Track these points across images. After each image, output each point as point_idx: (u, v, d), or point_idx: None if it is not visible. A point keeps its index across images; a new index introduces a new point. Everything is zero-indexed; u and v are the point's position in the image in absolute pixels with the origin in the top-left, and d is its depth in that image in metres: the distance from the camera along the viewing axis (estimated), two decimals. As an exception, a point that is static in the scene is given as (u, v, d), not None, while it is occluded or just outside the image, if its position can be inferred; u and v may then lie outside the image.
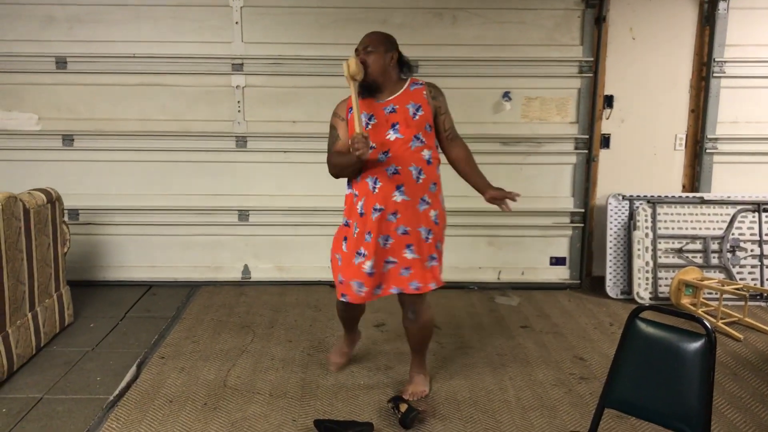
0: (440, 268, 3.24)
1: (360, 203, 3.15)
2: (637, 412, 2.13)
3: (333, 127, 3.24)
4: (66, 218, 4.40)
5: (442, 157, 3.27)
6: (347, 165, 3.10)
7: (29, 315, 3.78)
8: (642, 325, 2.15)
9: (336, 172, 3.22)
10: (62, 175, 4.96)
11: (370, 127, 3.09)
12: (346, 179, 3.27)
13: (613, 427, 3.08)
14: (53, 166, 4.99)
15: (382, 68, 3.08)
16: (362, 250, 3.16)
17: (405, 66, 3.19)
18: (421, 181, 3.10)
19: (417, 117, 3.10)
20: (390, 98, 3.12)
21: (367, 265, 3.13)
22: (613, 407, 2.19)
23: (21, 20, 4.81)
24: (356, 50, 3.12)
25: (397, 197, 3.08)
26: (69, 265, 4.45)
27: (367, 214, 3.13)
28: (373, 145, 3.03)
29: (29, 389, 3.44)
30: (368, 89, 3.10)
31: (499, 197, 3.10)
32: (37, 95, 4.92)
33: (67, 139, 4.98)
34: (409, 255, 3.13)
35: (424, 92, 3.15)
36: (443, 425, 3.12)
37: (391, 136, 3.08)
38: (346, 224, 3.26)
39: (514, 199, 3.08)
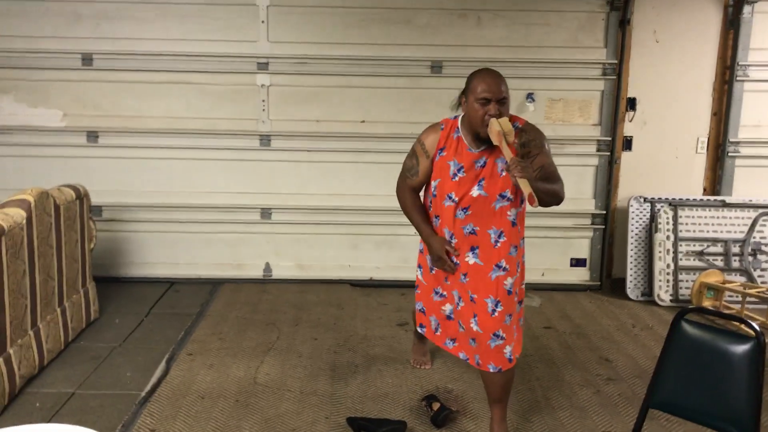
0: (510, 345, 2.84)
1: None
2: (682, 412, 2.15)
3: (414, 155, 2.99)
4: (92, 214, 4.42)
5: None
6: (415, 227, 3.02)
7: (58, 310, 3.81)
8: (688, 327, 2.16)
9: (402, 208, 3.09)
10: (86, 171, 4.98)
11: (457, 179, 2.83)
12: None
13: (644, 428, 3.09)
14: (77, 163, 5.02)
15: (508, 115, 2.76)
16: (441, 290, 3.05)
17: None
18: (499, 245, 2.81)
19: (504, 173, 2.75)
20: (485, 148, 2.80)
21: (447, 308, 3.04)
22: (658, 408, 2.21)
23: (48, 17, 4.83)
24: (481, 97, 2.70)
25: (470, 259, 2.85)
26: (93, 261, 4.47)
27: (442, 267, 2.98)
28: (455, 198, 2.83)
29: (61, 384, 3.46)
30: (483, 139, 2.77)
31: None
32: (62, 92, 4.95)
33: (92, 136, 5.00)
34: (474, 326, 2.86)
35: (516, 139, 2.77)
36: (474, 424, 3.14)
37: (475, 192, 2.79)
38: (421, 251, 3.14)
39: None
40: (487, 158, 2.81)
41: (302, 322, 4.42)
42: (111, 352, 3.89)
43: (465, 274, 2.89)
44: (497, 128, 2.64)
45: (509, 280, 2.84)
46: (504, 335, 2.82)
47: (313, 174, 5.11)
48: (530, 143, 2.80)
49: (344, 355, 3.90)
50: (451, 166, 2.85)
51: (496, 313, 2.82)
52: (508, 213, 2.82)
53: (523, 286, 3.02)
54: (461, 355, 3.01)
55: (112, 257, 5.15)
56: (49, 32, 4.85)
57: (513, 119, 2.82)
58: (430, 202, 3.01)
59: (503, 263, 2.83)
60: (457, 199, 2.83)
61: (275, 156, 5.06)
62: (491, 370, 2.85)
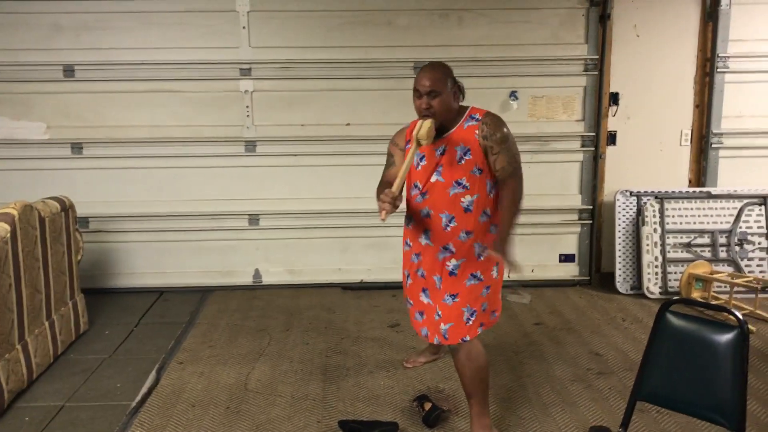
0: (446, 324, 2.89)
1: (405, 238, 3.14)
2: (669, 404, 2.16)
3: (389, 154, 3.11)
4: (78, 226, 4.40)
5: None
6: None
7: (46, 323, 3.79)
8: (673, 318, 2.17)
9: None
10: (72, 183, 4.95)
11: (420, 168, 2.92)
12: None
13: (635, 421, 3.10)
14: (62, 175, 4.99)
15: (447, 108, 2.82)
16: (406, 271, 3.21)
17: (460, 91, 2.92)
18: (449, 229, 2.88)
19: (463, 161, 2.84)
20: (444, 137, 2.86)
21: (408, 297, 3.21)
22: (645, 400, 2.22)
23: (28, 29, 4.81)
24: (415, 89, 2.83)
25: (422, 240, 2.97)
26: (81, 273, 4.45)
27: (403, 245, 3.14)
28: (420, 186, 2.93)
29: (50, 397, 3.44)
30: (438, 129, 2.83)
31: (492, 257, 2.86)
32: (45, 104, 4.92)
33: (76, 147, 4.98)
34: (424, 299, 3.02)
35: (476, 131, 2.83)
36: (466, 423, 3.13)
37: (433, 178, 2.88)
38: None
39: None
40: (447, 146, 2.87)
41: (293, 327, 4.41)
42: (101, 363, 3.87)
43: (418, 254, 3.01)
44: (415, 131, 2.76)
45: (453, 262, 2.91)
46: (440, 312, 2.92)
47: (300, 178, 5.10)
48: (491, 138, 2.84)
49: (336, 359, 3.90)
50: (415, 157, 2.94)
51: (440, 289, 2.95)
52: (462, 200, 2.87)
53: (495, 275, 2.97)
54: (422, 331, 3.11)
55: (101, 268, 5.12)
56: (30, 44, 4.83)
57: (472, 111, 2.90)
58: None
59: (450, 246, 2.91)
60: (421, 186, 2.94)
61: (261, 162, 5.05)
62: (435, 342, 2.99)
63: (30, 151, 4.96)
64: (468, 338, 2.89)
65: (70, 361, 3.90)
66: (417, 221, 2.98)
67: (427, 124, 2.74)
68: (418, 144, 2.77)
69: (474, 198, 2.88)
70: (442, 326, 2.91)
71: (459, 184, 2.86)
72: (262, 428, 3.11)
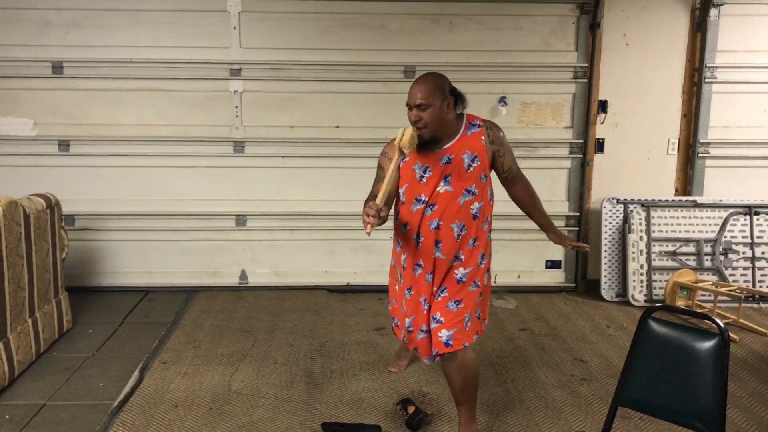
0: (449, 330, 2.85)
1: (404, 257, 3.01)
2: (650, 410, 2.16)
3: (380, 167, 3.00)
4: (63, 224, 4.37)
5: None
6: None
7: (29, 321, 3.76)
8: (654, 325, 2.18)
9: None
10: (58, 180, 4.93)
11: (424, 180, 2.88)
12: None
13: (618, 427, 3.12)
14: (49, 172, 4.96)
15: (439, 120, 2.79)
16: (404, 306, 3.09)
17: (459, 100, 2.89)
18: (460, 238, 2.89)
19: (472, 169, 2.86)
20: (447, 146, 2.86)
21: (407, 322, 3.07)
22: (627, 406, 2.23)
23: (17, 25, 4.79)
24: (407, 104, 2.82)
25: (435, 253, 2.91)
26: (65, 271, 4.43)
27: (408, 269, 3.00)
28: (425, 198, 2.87)
29: (31, 395, 3.42)
30: (426, 143, 2.85)
31: (558, 243, 3.18)
32: (33, 100, 4.89)
33: (63, 145, 4.95)
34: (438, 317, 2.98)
35: (482, 137, 2.89)
36: (449, 427, 3.15)
37: (442, 188, 2.85)
38: (394, 266, 3.15)
39: (572, 248, 3.20)
40: (452, 155, 2.86)
41: (278, 328, 4.40)
42: (84, 362, 3.85)
43: (432, 272, 2.95)
44: (397, 139, 2.71)
45: (461, 270, 2.92)
46: (442, 318, 2.88)
47: (288, 180, 5.09)
48: (497, 141, 2.94)
49: (320, 361, 3.89)
50: (417, 170, 2.90)
51: (440, 298, 2.92)
52: (471, 207, 2.89)
53: (486, 281, 3.04)
54: (426, 360, 3.09)
55: (86, 267, 5.09)
56: (18, 40, 4.80)
57: (471, 119, 2.93)
58: (400, 210, 3.03)
59: (460, 254, 2.92)
60: (426, 199, 2.89)
61: (249, 162, 5.04)
62: (433, 354, 2.92)
63: (17, 147, 4.93)
64: (467, 344, 2.89)
65: (52, 360, 3.87)
66: (426, 237, 2.91)
67: (409, 131, 2.72)
68: (401, 153, 2.74)
69: (481, 205, 2.92)
70: (444, 332, 2.85)
71: (469, 191, 2.88)
72: (244, 429, 3.09)
